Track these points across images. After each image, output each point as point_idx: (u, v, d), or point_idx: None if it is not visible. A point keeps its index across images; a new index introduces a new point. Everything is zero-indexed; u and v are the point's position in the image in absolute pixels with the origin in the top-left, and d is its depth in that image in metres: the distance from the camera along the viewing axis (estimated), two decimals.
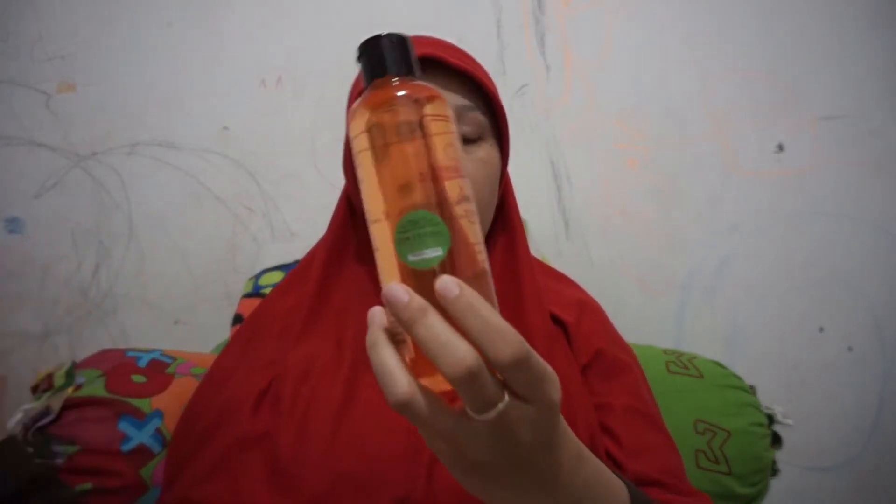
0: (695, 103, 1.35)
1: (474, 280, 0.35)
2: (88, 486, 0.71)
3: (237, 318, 1.08)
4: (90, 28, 1.22)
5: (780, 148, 1.37)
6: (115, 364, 0.82)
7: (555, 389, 0.35)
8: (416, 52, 0.64)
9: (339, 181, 0.72)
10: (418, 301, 0.33)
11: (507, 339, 0.32)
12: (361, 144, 0.37)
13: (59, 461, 0.70)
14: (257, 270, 1.17)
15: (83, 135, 1.21)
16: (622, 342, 0.76)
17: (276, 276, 1.12)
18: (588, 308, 0.75)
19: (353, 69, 0.78)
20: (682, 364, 1.04)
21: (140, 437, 0.74)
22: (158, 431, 0.76)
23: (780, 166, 1.36)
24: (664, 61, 1.34)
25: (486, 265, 0.37)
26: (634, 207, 1.34)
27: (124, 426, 0.75)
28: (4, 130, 1.19)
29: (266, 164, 1.26)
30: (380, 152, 0.36)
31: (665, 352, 1.07)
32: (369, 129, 0.37)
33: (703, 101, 1.35)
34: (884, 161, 1.37)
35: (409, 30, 0.79)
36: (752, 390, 1.04)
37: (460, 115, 0.63)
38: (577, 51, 1.34)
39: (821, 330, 1.36)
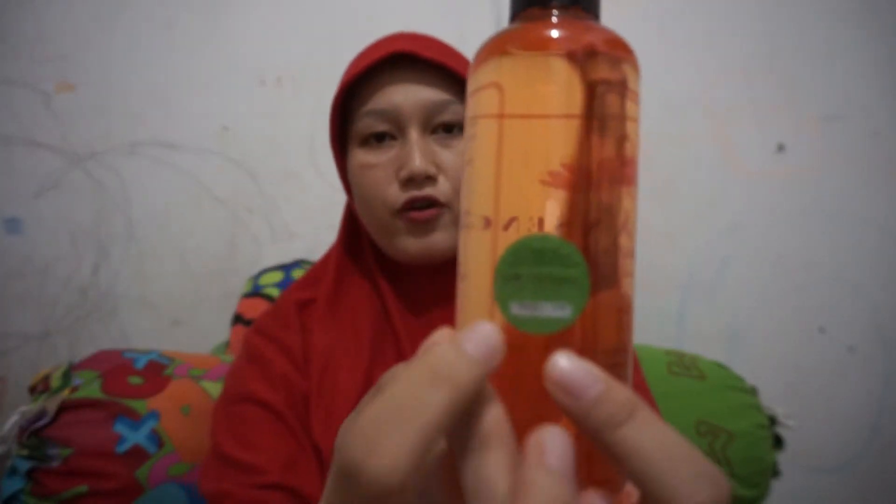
0: (695, 103, 1.34)
1: (614, 353, 0.22)
2: (84, 488, 0.71)
3: (237, 318, 1.07)
4: (90, 28, 1.22)
5: (781, 148, 1.36)
6: (113, 366, 0.82)
7: None
8: (389, 48, 0.61)
9: (339, 181, 0.71)
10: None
11: (712, 478, 0.21)
12: (488, 106, 0.24)
13: (55, 464, 0.70)
14: (257, 270, 1.17)
15: (83, 135, 1.21)
16: None
17: (276, 276, 1.11)
18: None
19: None
20: (683, 365, 1.03)
21: (135, 438, 0.74)
22: (154, 432, 0.76)
23: (780, 166, 1.36)
24: (664, 61, 1.34)
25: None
26: None
27: (119, 428, 0.74)
28: (4, 130, 1.19)
29: (266, 164, 1.26)
30: (516, 122, 0.23)
31: (667, 353, 1.06)
32: (517, 86, 0.22)
33: (703, 101, 1.35)
34: (885, 161, 1.37)
35: (409, 30, 0.79)
36: (753, 392, 1.04)
37: (440, 109, 0.61)
38: None
39: (822, 330, 1.36)
